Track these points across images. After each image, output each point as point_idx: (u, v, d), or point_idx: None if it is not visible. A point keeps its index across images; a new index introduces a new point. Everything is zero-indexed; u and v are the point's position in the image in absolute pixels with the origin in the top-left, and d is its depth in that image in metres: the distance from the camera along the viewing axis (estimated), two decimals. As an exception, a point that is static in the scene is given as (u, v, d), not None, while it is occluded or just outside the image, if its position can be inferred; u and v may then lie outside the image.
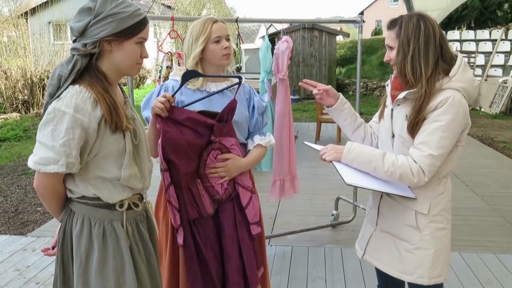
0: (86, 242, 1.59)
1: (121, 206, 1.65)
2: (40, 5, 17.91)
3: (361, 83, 14.63)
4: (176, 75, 2.17)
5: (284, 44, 3.32)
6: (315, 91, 2.08)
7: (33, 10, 18.43)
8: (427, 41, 1.74)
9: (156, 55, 18.79)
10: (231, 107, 2.03)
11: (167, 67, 3.35)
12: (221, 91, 2.12)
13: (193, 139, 1.98)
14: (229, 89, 2.15)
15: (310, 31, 14.65)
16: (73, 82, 1.52)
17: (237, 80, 2.14)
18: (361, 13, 33.10)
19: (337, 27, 18.66)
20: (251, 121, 2.21)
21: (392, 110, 1.91)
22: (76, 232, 1.60)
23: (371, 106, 12.53)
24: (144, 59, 1.68)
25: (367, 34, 24.34)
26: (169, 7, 22.01)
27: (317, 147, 1.98)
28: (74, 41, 1.56)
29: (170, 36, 3.36)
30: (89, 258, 1.59)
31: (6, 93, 11.53)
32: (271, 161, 3.49)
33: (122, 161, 1.59)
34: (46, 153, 1.49)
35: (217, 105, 2.07)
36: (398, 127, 1.85)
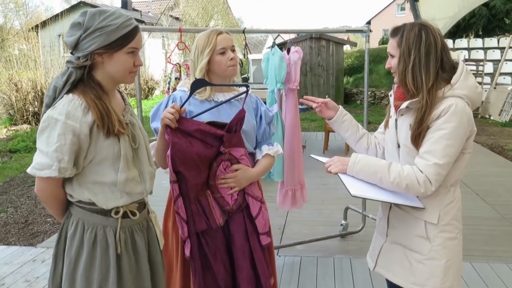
0: (77, 244, 1.65)
1: (116, 213, 1.69)
2: (50, 18, 18.18)
3: (369, 92, 14.59)
4: (183, 86, 2.19)
5: (295, 55, 3.36)
6: (314, 105, 2.11)
7: (44, 24, 18.71)
8: (428, 52, 1.74)
9: (164, 66, 18.94)
10: (239, 117, 2.04)
11: (176, 78, 3.38)
12: (229, 100, 2.13)
13: (202, 151, 1.98)
14: (237, 99, 2.17)
15: (318, 41, 14.69)
16: (68, 92, 1.60)
17: (244, 89, 2.15)
18: (368, 23, 33.17)
19: (344, 36, 18.71)
20: (259, 130, 2.22)
21: (396, 120, 1.90)
22: (70, 234, 1.67)
23: (379, 115, 12.49)
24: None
25: (374, 43, 24.36)
26: (177, 18, 22.23)
27: (323, 159, 1.99)
28: (71, 53, 1.64)
29: (178, 48, 3.39)
30: (78, 260, 1.65)
31: (17, 105, 11.67)
32: (283, 170, 3.50)
33: (119, 165, 1.64)
34: (42, 159, 1.57)
35: (226, 115, 2.08)
36: (403, 137, 1.84)
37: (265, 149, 2.19)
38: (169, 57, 3.80)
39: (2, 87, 12.14)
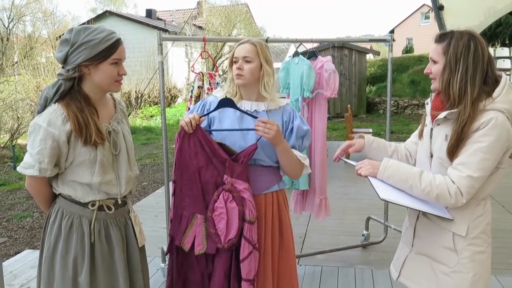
0: (56, 230, 1.85)
1: (93, 205, 1.86)
2: (77, 27, 18.52)
3: (392, 102, 14.44)
4: (217, 92, 2.26)
5: (331, 64, 3.40)
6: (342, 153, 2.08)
7: (70, 32, 19.08)
8: (476, 63, 1.70)
9: (187, 75, 19.13)
10: (249, 151, 2.04)
11: (198, 86, 3.41)
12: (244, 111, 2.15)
13: (202, 166, 2.03)
14: (265, 110, 2.16)
15: (340, 50, 14.65)
16: (55, 101, 1.79)
17: (282, 104, 2.19)
18: (392, 31, 32.93)
19: (367, 45, 18.61)
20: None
21: (431, 129, 1.87)
22: (51, 220, 1.88)
23: (402, 125, 12.36)
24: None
25: (397, 52, 24.16)
26: (200, 27, 22.45)
27: (354, 162, 1.96)
28: (62, 67, 1.81)
29: (202, 57, 3.43)
30: (56, 245, 1.84)
31: (43, 112, 11.91)
32: (308, 179, 3.52)
33: (95, 169, 1.82)
34: (28, 159, 1.79)
35: (247, 124, 2.10)
36: (437, 147, 1.81)
37: (297, 153, 2.15)
38: (193, 66, 3.85)
39: (30, 94, 12.44)
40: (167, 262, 3.49)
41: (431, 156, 1.86)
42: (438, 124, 1.82)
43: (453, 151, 1.72)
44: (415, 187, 1.74)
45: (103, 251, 1.87)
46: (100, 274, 1.85)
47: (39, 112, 1.80)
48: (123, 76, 1.88)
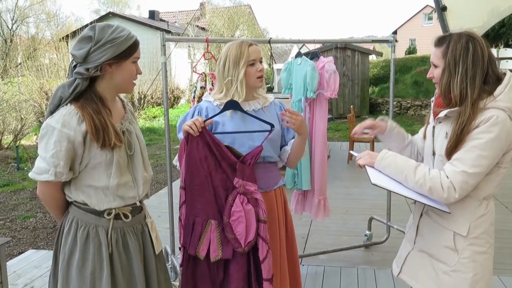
0: (71, 241, 1.75)
1: (109, 214, 1.78)
2: (80, 28, 18.63)
3: (395, 102, 14.45)
4: (208, 97, 2.24)
5: (332, 65, 3.41)
6: (370, 131, 2.11)
7: (74, 34, 19.21)
8: (475, 64, 1.68)
9: (190, 75, 19.15)
10: (255, 153, 2.05)
11: (201, 87, 3.42)
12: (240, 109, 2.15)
13: (212, 170, 2.02)
14: (262, 108, 2.19)
15: (343, 51, 14.64)
16: (68, 103, 1.71)
17: (272, 100, 2.21)
18: (395, 32, 32.84)
19: (370, 46, 18.60)
20: (287, 135, 2.24)
21: (434, 127, 1.87)
22: (65, 231, 1.78)
23: (405, 126, 12.31)
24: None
25: (400, 53, 24.12)
26: (203, 28, 22.49)
27: (356, 153, 1.99)
28: (74, 66, 1.72)
29: (204, 58, 3.44)
30: (72, 257, 1.75)
31: (47, 113, 11.98)
32: (310, 180, 3.53)
33: (112, 171, 1.74)
34: (41, 164, 1.68)
35: (250, 123, 2.11)
36: (439, 145, 1.81)
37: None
38: (195, 67, 3.86)
39: (33, 96, 12.50)
40: (169, 262, 3.50)
41: (434, 154, 1.86)
42: (440, 122, 1.83)
43: (451, 152, 1.72)
44: (410, 179, 1.74)
45: (122, 262, 1.78)
46: (120, 286, 1.76)
47: (51, 111, 1.71)
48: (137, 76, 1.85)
